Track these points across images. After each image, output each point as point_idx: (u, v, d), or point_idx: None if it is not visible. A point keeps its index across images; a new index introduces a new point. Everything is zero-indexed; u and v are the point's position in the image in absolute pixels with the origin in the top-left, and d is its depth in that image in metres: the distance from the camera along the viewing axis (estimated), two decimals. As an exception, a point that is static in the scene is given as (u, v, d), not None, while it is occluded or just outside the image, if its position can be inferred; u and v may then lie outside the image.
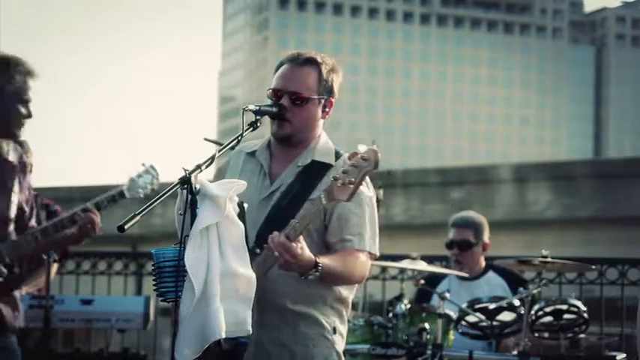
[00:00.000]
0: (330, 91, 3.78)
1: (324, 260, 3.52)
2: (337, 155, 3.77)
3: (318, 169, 3.71)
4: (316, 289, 3.68)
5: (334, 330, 3.75)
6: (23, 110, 4.30)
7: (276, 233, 3.42)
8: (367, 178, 3.62)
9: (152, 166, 4.80)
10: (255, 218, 3.65)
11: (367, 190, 3.72)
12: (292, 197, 3.66)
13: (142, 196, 4.70)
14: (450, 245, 6.34)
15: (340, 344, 3.77)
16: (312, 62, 3.75)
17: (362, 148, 3.39)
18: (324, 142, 3.79)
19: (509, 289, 6.12)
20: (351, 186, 3.35)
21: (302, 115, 3.71)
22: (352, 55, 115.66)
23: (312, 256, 3.48)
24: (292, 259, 3.41)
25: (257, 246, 3.58)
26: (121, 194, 4.66)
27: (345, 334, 3.83)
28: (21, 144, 4.51)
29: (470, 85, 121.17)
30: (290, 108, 3.69)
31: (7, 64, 4.29)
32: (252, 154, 3.82)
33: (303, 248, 3.43)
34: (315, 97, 3.72)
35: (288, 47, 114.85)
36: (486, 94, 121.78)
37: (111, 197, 4.60)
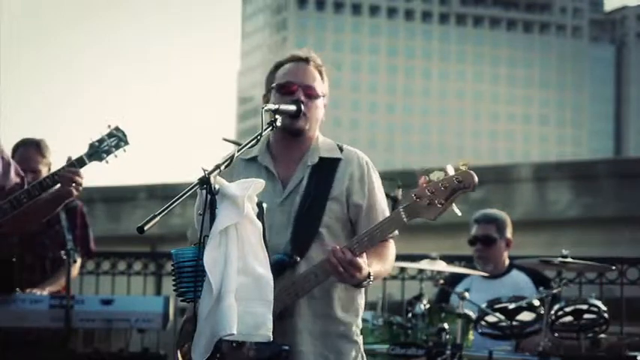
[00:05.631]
0: (325, 92, 3.85)
1: (373, 268, 3.60)
2: (339, 148, 3.82)
3: (328, 165, 3.75)
4: (350, 292, 3.74)
5: (360, 332, 3.80)
6: None
7: (337, 248, 3.50)
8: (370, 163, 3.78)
9: (117, 128, 4.51)
10: (277, 222, 3.67)
11: (374, 169, 3.82)
12: (314, 197, 3.69)
13: (107, 162, 4.43)
14: (472, 241, 6.31)
15: (362, 344, 3.82)
16: (315, 63, 3.83)
17: (450, 170, 3.46)
18: (322, 140, 3.84)
19: (534, 287, 6.08)
20: (440, 206, 3.45)
21: (314, 110, 3.77)
22: (371, 54, 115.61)
23: (367, 268, 3.56)
24: (358, 273, 3.51)
25: (295, 253, 3.62)
26: (81, 161, 4.38)
27: None
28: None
29: (489, 85, 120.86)
30: (306, 102, 3.73)
31: None
32: (252, 160, 3.80)
33: (365, 262, 3.54)
34: (322, 94, 3.80)
35: (307, 47, 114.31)
36: (506, 93, 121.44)
37: (70, 165, 4.34)
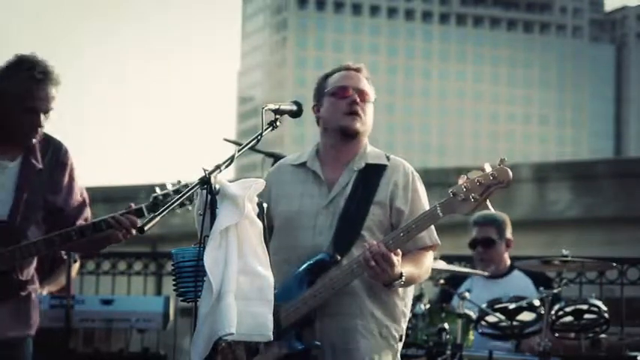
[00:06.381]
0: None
1: (405, 269, 3.66)
2: (387, 157, 3.93)
3: (374, 171, 3.86)
4: (392, 296, 3.80)
5: (400, 338, 3.85)
6: (27, 118, 4.07)
7: (373, 242, 3.59)
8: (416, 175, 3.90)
9: (186, 185, 4.31)
10: (320, 224, 3.77)
11: (420, 179, 3.92)
12: (358, 200, 3.79)
13: (178, 211, 4.19)
14: (473, 244, 6.31)
15: (399, 349, 3.87)
16: (363, 71, 3.98)
17: (487, 168, 3.57)
18: (371, 148, 3.96)
19: (535, 288, 6.08)
20: (475, 202, 3.56)
21: (368, 113, 3.90)
22: (371, 54, 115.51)
23: (400, 268, 3.63)
24: (390, 268, 3.57)
25: (337, 252, 3.71)
26: (139, 212, 4.27)
27: None
28: (60, 145, 4.29)
29: (489, 85, 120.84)
30: (361, 105, 3.87)
31: (18, 65, 4.08)
32: (300, 165, 3.93)
33: (399, 260, 3.60)
34: (374, 98, 3.94)
35: (307, 47, 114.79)
36: (506, 93, 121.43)
37: (128, 212, 4.26)
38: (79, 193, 4.34)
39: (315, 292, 3.67)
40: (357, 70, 3.96)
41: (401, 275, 3.63)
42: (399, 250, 3.60)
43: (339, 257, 3.70)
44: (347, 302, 3.71)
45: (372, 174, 3.84)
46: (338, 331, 3.71)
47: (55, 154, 4.27)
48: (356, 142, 3.89)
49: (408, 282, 3.72)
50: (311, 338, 3.68)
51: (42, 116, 4.11)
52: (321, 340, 3.69)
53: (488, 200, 3.59)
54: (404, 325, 3.86)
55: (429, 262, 3.86)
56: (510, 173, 3.55)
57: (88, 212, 4.36)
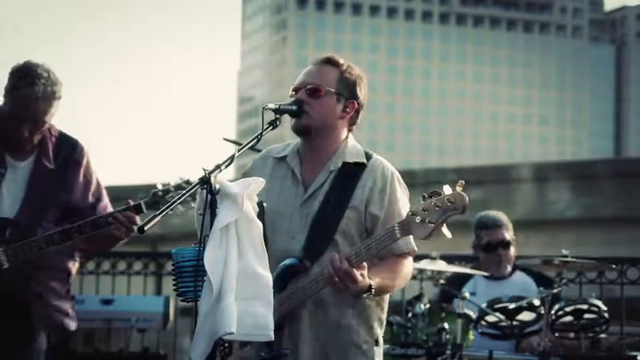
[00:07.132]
0: (351, 93, 3.78)
1: (376, 280, 3.57)
2: (367, 156, 3.78)
3: (351, 171, 3.73)
4: (367, 303, 3.71)
5: (376, 342, 3.76)
6: (17, 126, 4.11)
7: (336, 256, 3.49)
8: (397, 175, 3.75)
9: (188, 181, 4.25)
10: (294, 226, 3.68)
11: (400, 181, 3.77)
12: (334, 203, 3.68)
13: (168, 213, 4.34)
14: (487, 248, 6.18)
15: (380, 354, 3.79)
16: (332, 62, 3.79)
17: (447, 190, 3.45)
18: (352, 145, 3.80)
19: (537, 288, 6.06)
20: (431, 225, 3.44)
21: (319, 108, 3.71)
22: (371, 54, 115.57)
23: (368, 281, 3.53)
24: (352, 284, 3.48)
25: (307, 258, 3.62)
26: (138, 208, 4.23)
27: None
28: (75, 144, 4.26)
29: (489, 85, 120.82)
30: (307, 101, 3.70)
31: (21, 72, 4.09)
32: (282, 159, 3.81)
33: (363, 275, 3.50)
34: (333, 90, 3.73)
35: (307, 47, 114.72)
36: (506, 93, 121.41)
37: (127, 209, 4.20)
38: (95, 192, 4.34)
39: (283, 299, 3.59)
40: (322, 61, 3.78)
41: (370, 287, 3.54)
42: (364, 264, 3.51)
43: (308, 264, 3.61)
44: (313, 310, 3.64)
45: (350, 175, 3.71)
46: (301, 340, 3.64)
47: (69, 153, 4.29)
48: (322, 140, 3.74)
49: (380, 292, 3.63)
50: (279, 345, 3.58)
51: (29, 127, 4.12)
52: (290, 347, 3.61)
53: (445, 225, 3.47)
54: (379, 329, 3.76)
55: (407, 269, 3.74)
56: (467, 199, 3.43)
57: (106, 210, 4.35)
